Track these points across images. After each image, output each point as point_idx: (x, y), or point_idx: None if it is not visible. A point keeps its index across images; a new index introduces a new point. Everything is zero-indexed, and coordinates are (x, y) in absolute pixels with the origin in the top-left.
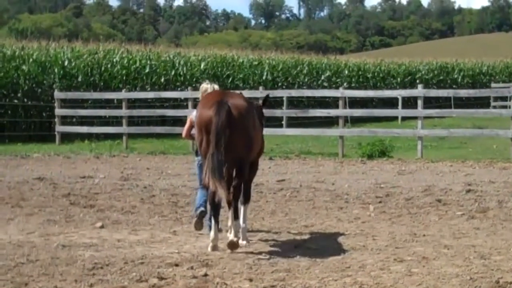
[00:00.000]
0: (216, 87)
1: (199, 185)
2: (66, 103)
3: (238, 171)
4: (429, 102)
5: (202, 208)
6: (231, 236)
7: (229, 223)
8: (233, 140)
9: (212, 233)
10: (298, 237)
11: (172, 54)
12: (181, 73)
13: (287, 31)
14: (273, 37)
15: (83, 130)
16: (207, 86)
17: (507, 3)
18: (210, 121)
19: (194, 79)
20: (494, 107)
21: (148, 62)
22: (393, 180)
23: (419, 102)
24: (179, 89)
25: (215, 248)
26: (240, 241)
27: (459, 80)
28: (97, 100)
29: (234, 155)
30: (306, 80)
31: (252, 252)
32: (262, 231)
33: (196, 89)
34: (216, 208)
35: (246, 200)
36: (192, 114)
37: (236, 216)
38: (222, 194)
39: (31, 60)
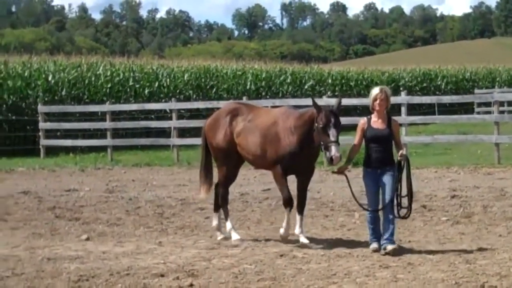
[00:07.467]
0: (389, 92)
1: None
2: (50, 117)
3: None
4: (413, 109)
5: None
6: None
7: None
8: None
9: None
10: (284, 246)
11: (155, 66)
12: (165, 84)
13: (270, 41)
14: (257, 47)
15: (67, 143)
16: (377, 92)
17: (489, 10)
18: None
19: (178, 91)
20: (478, 112)
21: (132, 74)
22: None
23: (403, 109)
24: (163, 100)
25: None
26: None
27: (443, 86)
28: (81, 113)
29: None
30: (289, 89)
31: (238, 261)
32: (248, 240)
33: (179, 100)
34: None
35: None
36: (360, 122)
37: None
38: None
39: (14, 74)
